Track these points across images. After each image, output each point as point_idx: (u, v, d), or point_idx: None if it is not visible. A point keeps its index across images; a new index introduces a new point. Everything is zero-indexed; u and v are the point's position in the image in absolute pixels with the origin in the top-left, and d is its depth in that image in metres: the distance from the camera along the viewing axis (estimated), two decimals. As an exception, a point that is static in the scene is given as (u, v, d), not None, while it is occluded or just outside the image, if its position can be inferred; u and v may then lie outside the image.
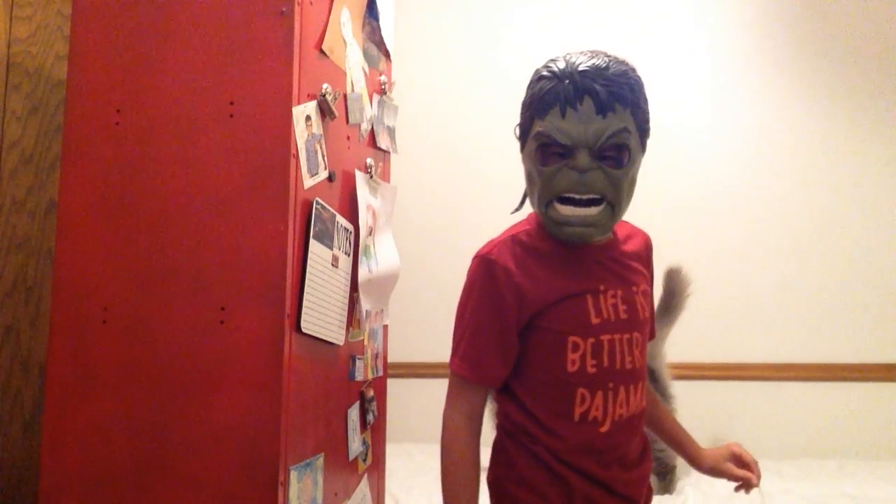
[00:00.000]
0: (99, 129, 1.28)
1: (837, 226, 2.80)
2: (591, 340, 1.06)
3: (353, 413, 1.48)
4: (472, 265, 1.11)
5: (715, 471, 1.24)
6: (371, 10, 1.62)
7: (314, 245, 1.26)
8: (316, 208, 1.27)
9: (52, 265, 1.37)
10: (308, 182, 1.26)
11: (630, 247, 1.16)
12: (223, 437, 1.17)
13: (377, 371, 1.64)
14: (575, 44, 1.24)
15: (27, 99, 1.84)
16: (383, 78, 1.68)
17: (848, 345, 2.73)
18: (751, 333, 2.79)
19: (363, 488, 1.53)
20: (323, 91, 1.32)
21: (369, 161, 1.57)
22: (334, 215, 1.36)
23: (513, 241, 1.10)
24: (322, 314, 1.29)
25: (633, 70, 1.05)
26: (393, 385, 1.83)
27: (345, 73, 1.46)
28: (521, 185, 1.11)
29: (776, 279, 2.80)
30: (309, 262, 1.24)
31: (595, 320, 1.06)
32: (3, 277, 1.77)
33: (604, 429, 1.06)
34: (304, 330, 1.22)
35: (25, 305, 1.81)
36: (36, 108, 1.86)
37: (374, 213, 1.55)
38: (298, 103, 1.24)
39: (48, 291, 1.65)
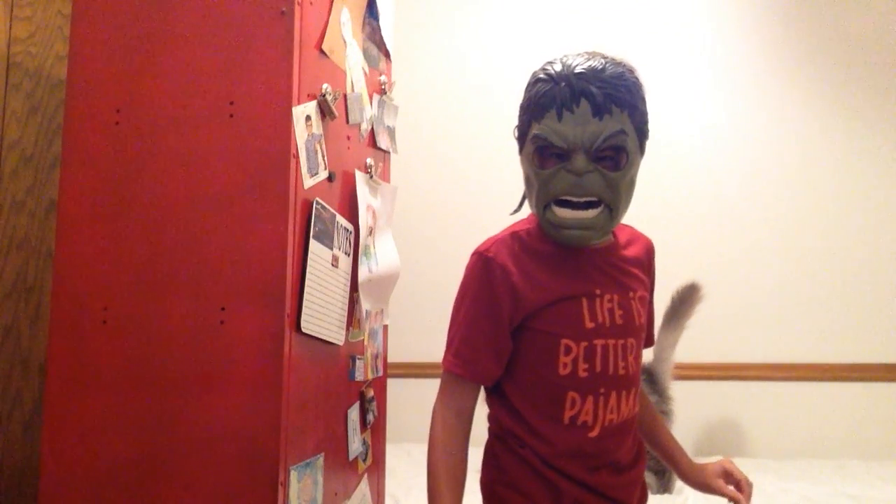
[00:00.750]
0: (99, 128, 1.28)
1: (837, 226, 2.80)
2: (584, 344, 1.05)
3: (353, 413, 1.48)
4: (469, 262, 1.10)
5: (705, 486, 1.20)
6: (371, 10, 1.62)
7: (314, 245, 1.26)
8: (316, 208, 1.27)
9: (52, 265, 1.37)
10: (308, 182, 1.26)
11: (630, 252, 1.15)
12: (223, 437, 1.17)
13: (377, 371, 1.64)
14: (575, 44, 1.23)
15: (27, 99, 1.84)
16: (383, 78, 1.68)
17: (848, 345, 2.73)
18: (751, 333, 2.78)
19: (363, 488, 1.53)
20: (323, 91, 1.32)
21: (369, 161, 1.57)
22: (334, 215, 1.36)
23: (513, 238, 1.09)
24: (322, 314, 1.29)
25: (632, 71, 1.04)
26: (393, 385, 1.84)
27: (345, 73, 1.46)
28: (520, 185, 1.11)
29: (776, 279, 2.80)
30: (309, 262, 1.24)
31: (589, 324, 1.06)
32: (3, 277, 1.77)
33: (593, 433, 1.05)
34: (304, 330, 1.22)
35: (25, 305, 1.81)
36: (36, 108, 1.86)
37: (374, 213, 1.55)
38: (298, 103, 1.24)
39: (48, 291, 1.65)
